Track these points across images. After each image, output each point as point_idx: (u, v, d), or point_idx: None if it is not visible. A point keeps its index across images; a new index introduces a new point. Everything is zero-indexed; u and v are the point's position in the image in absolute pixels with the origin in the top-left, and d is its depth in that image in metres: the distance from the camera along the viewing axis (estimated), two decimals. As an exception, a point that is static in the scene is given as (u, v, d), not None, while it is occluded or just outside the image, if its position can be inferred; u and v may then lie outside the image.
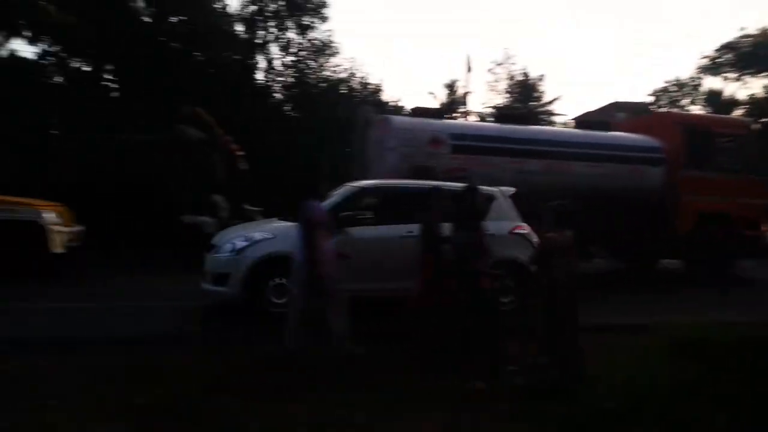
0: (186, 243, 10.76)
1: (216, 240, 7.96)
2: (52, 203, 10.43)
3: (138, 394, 4.55)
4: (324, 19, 23.92)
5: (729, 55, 32.78)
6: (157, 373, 5.07)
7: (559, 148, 11.66)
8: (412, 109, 12.59)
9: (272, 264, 7.31)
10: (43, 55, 19.17)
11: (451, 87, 30.95)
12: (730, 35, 47.41)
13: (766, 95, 30.27)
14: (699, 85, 35.58)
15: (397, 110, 27.99)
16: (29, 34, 17.41)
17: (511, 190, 8.82)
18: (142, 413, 4.23)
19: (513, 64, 32.11)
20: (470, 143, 11.19)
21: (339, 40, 43.37)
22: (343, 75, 24.92)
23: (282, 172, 17.41)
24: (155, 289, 9.35)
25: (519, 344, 5.77)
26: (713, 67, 33.99)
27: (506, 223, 8.30)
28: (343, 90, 24.40)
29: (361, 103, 19.68)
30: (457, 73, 55.39)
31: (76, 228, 10.86)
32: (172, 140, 13.28)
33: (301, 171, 16.17)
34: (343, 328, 5.84)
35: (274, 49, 23.71)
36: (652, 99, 36.68)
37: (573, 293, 5.19)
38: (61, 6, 16.50)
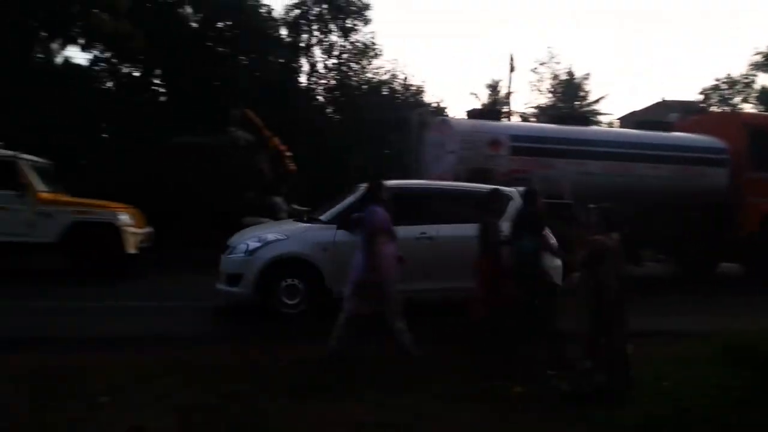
0: None
1: (231, 241, 8.04)
2: (125, 205, 10.81)
3: (185, 392, 4.68)
4: (366, 21, 24.09)
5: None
6: (204, 371, 5.20)
7: (620, 149, 11.47)
8: (468, 111, 12.57)
9: (284, 265, 7.36)
10: (95, 62, 19.85)
11: (493, 87, 30.76)
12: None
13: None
14: (752, 82, 34.41)
15: (440, 111, 27.99)
16: (83, 41, 18.04)
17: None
18: (189, 412, 4.33)
19: (557, 63, 31.74)
20: (530, 145, 11.09)
21: (381, 41, 43.64)
22: (386, 77, 25.03)
23: (326, 174, 17.60)
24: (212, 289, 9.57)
25: (559, 348, 5.76)
26: (767, 64, 32.82)
27: None
28: (385, 92, 24.48)
29: (417, 107, 19.75)
30: (500, 73, 54.98)
31: (147, 229, 11.23)
32: (223, 143, 13.55)
33: (344, 172, 16.34)
34: (403, 330, 5.85)
35: (317, 52, 23.99)
36: (701, 97, 35.62)
37: (621, 297, 5.12)
38: (114, 14, 17.05)
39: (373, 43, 24.54)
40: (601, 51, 67.55)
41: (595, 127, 13.16)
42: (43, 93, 16.07)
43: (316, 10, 23.42)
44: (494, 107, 29.17)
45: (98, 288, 9.34)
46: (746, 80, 34.48)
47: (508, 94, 28.28)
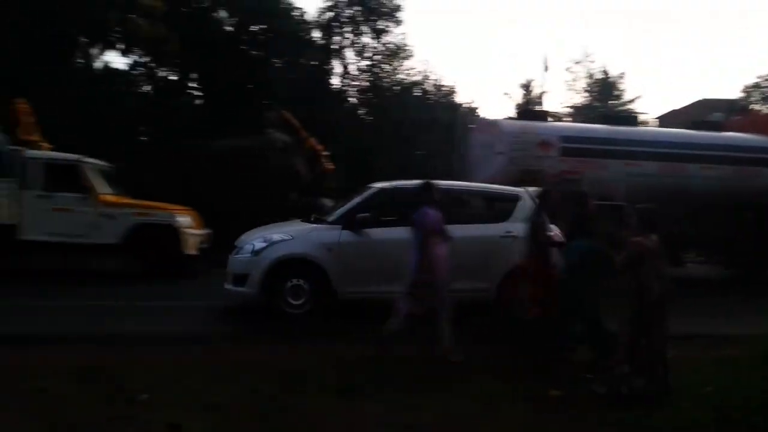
0: None
1: (239, 241, 8.08)
2: (184, 207, 11.02)
3: (220, 390, 4.73)
4: (398, 22, 24.12)
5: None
6: (239, 369, 5.26)
7: (674, 150, 11.27)
8: (518, 112, 12.50)
9: (289, 265, 7.37)
10: (133, 66, 20.29)
11: (526, 87, 30.42)
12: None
13: None
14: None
15: (472, 112, 27.84)
16: (122, 46, 18.46)
17: (539, 190, 8.50)
18: (224, 410, 4.38)
19: (592, 61, 31.24)
20: (581, 146, 11.00)
21: (412, 42, 43.67)
22: (417, 78, 25.03)
23: (358, 174, 17.66)
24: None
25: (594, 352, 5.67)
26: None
27: None
28: (417, 93, 24.50)
29: (449, 107, 19.69)
30: (533, 73, 54.41)
31: (205, 231, 11.43)
32: (260, 145, 13.68)
33: (375, 173, 16.34)
34: (449, 332, 5.82)
35: (350, 54, 24.10)
36: (742, 95, 34.63)
37: (662, 298, 5.00)
38: (151, 19, 17.41)
39: (405, 45, 24.58)
40: (635, 50, 66.35)
41: (647, 128, 12.93)
42: (83, 97, 16.50)
43: (348, 12, 23.54)
44: (529, 107, 28.93)
45: (154, 288, 9.53)
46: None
47: (542, 93, 27.94)
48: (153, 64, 20.36)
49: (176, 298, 8.90)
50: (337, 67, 23.91)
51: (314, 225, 7.94)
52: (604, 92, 30.34)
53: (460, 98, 26.00)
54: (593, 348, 5.77)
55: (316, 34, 23.46)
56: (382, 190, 8.09)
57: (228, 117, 18.09)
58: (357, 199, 7.94)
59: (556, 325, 5.89)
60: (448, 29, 65.24)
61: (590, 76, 31.07)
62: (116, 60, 26.60)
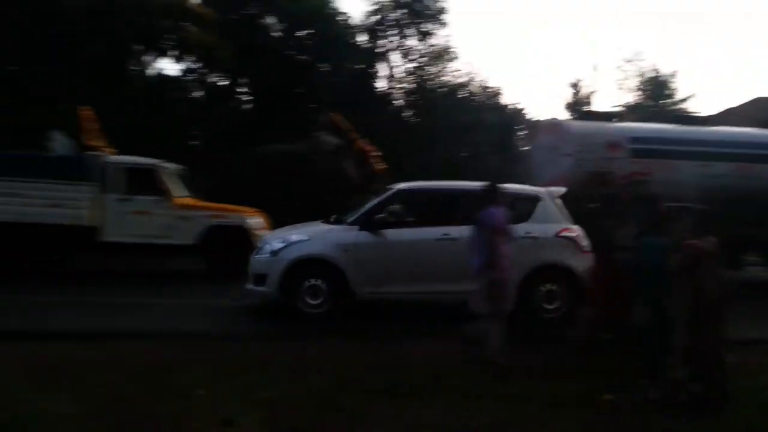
0: None
1: (260, 241, 8.11)
2: (253, 209, 11.29)
3: (271, 387, 4.82)
4: (443, 24, 24.10)
5: None
6: (289, 367, 5.35)
7: (749, 150, 10.94)
8: (584, 112, 12.32)
9: (306, 265, 7.39)
10: (185, 72, 20.88)
11: (575, 86, 29.92)
12: None
13: None
14: None
15: (518, 113, 27.59)
16: (175, 53, 19.02)
17: (561, 190, 8.28)
18: (275, 406, 4.46)
19: (642, 60, 30.52)
20: (651, 147, 10.75)
21: (457, 44, 43.36)
22: (463, 79, 24.95)
23: (404, 177, 17.69)
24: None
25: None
26: None
27: (553, 225, 7.81)
28: (463, 94, 24.44)
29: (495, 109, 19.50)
30: (580, 73, 53.50)
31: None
32: (310, 148, 13.84)
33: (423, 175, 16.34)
34: (499, 334, 5.75)
35: (395, 57, 24.21)
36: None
37: (719, 302, 4.86)
38: (202, 27, 17.89)
39: (450, 46, 24.54)
40: (686, 48, 64.34)
41: (720, 128, 12.45)
42: (138, 103, 17.07)
43: (393, 15, 23.65)
44: (575, 106, 28.44)
45: (223, 287, 9.56)
46: None
47: (591, 93, 27.42)
48: (204, 70, 20.90)
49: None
50: (382, 70, 24.07)
51: (332, 226, 7.97)
52: (656, 91, 29.56)
53: (506, 99, 25.77)
54: (651, 351, 5.60)
55: (362, 38, 23.66)
56: (401, 191, 8.11)
57: (275, 121, 18.41)
58: (375, 201, 7.93)
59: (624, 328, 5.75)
60: (490, 30, 64.70)
61: (641, 74, 30.35)
62: (169, 67, 27.47)
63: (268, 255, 7.54)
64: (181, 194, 10.97)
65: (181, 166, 11.68)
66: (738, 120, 15.70)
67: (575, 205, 10.31)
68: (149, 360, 5.40)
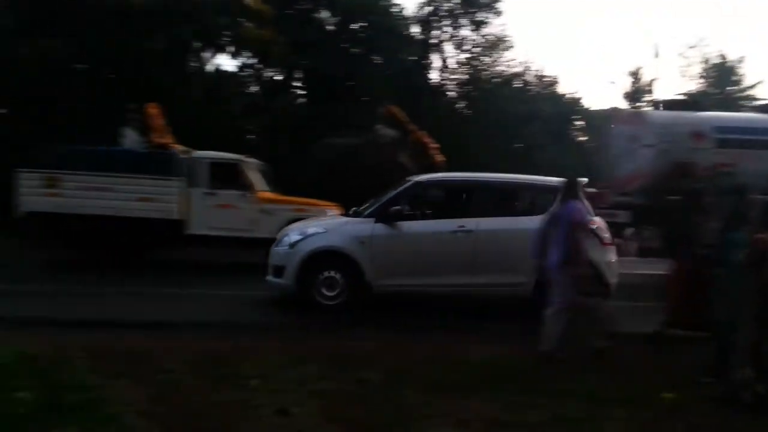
0: None
1: (280, 233, 8.18)
2: (333, 204, 11.44)
3: (325, 378, 4.93)
4: (498, 13, 23.76)
5: None
6: (342, 360, 5.42)
7: None
8: (665, 102, 12.00)
9: (322, 258, 7.41)
10: (242, 68, 21.31)
11: (635, 74, 29.00)
12: None
13: None
14: None
15: (575, 102, 26.98)
16: (232, 49, 19.44)
17: (583, 181, 8.02)
18: (329, 397, 4.55)
19: (707, 46, 29.31)
20: (738, 136, 10.45)
21: (512, 33, 42.68)
22: (518, 69, 24.56)
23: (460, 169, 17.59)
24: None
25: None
26: None
27: None
28: (518, 84, 24.07)
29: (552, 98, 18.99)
30: (639, 61, 51.71)
31: None
32: (369, 141, 13.91)
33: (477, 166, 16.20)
34: (560, 329, 5.68)
35: (448, 48, 24.04)
36: None
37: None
38: (259, 22, 18.21)
39: (505, 36, 24.19)
40: (752, 34, 61.21)
41: None
42: (198, 98, 17.57)
43: (447, 5, 23.46)
44: (635, 95, 27.60)
45: None
46: None
47: (652, 80, 26.57)
48: (260, 66, 21.28)
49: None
50: (436, 61, 23.94)
51: (348, 218, 8.01)
52: (721, 78, 28.37)
53: (562, 89, 25.22)
54: (722, 348, 5.42)
55: (415, 29, 23.58)
56: (419, 182, 8.08)
57: (329, 114, 18.57)
58: (393, 193, 7.90)
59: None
60: (545, 18, 63.24)
61: (706, 61, 29.16)
62: (226, 63, 28.12)
63: (286, 247, 7.63)
64: (264, 188, 11.26)
65: (263, 162, 11.95)
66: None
67: (653, 199, 10.14)
68: (207, 349, 5.58)
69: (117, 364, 5.03)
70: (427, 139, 13.85)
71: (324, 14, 21.99)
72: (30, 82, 15.24)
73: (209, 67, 20.66)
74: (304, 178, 13.96)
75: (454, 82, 24.30)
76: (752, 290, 4.75)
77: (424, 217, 8.02)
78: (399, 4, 22.97)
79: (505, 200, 8.20)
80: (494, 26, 24.01)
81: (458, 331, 6.87)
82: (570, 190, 5.99)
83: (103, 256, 10.43)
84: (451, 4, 23.47)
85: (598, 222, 7.51)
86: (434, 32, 23.76)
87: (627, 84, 29.08)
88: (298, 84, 22.39)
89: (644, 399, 4.70)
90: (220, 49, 19.49)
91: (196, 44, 19.04)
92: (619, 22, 62.11)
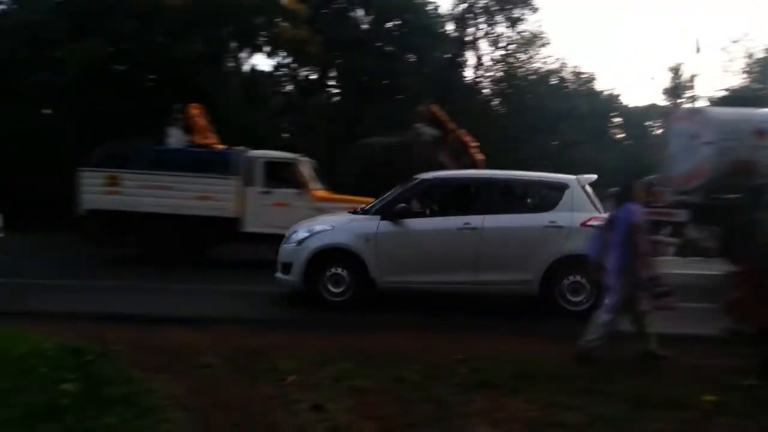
0: None
1: (289, 230, 8.20)
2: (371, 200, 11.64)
3: (360, 375, 4.93)
4: (534, 9, 23.49)
5: None
6: (377, 357, 5.42)
7: None
8: (724, 98, 11.87)
9: (329, 255, 7.43)
10: (277, 67, 21.55)
11: (675, 70, 28.34)
12: None
13: None
14: None
15: (612, 99, 26.50)
16: (268, 49, 19.68)
17: (592, 177, 7.85)
18: (364, 393, 4.57)
19: (751, 40, 28.45)
20: None
21: (548, 29, 42.11)
22: (554, 66, 24.25)
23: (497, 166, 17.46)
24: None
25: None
26: None
27: (580, 214, 7.40)
28: (554, 81, 23.76)
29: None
30: (678, 57, 50.46)
31: None
32: (409, 140, 13.91)
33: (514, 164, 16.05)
34: (603, 329, 5.58)
35: (483, 45, 23.86)
36: None
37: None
38: (294, 22, 18.39)
39: (541, 32, 23.90)
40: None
41: None
42: (235, 97, 17.83)
43: (482, 2, 23.29)
44: (675, 91, 26.98)
45: None
46: None
47: (693, 76, 25.94)
48: (295, 65, 21.47)
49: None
50: (470, 58, 23.78)
51: (354, 215, 8.00)
52: (766, 73, 27.51)
53: (599, 86, 24.81)
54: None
55: (450, 27, 23.48)
56: (426, 180, 8.04)
57: (364, 113, 18.64)
58: (399, 190, 7.90)
59: None
60: (581, 14, 62.19)
61: (749, 56, 28.31)
62: (261, 62, 28.41)
63: (294, 244, 7.68)
64: (317, 187, 11.40)
65: (314, 161, 12.09)
66: None
67: (711, 197, 9.95)
68: (245, 344, 5.66)
69: (157, 359, 5.14)
70: (468, 138, 13.78)
71: (359, 13, 22.06)
72: (74, 83, 15.69)
73: (245, 67, 20.97)
74: (342, 177, 14.03)
75: (489, 80, 24.12)
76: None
77: (429, 214, 8.06)
78: (434, 2, 22.92)
79: (510, 197, 8.17)
80: (530, 23, 23.81)
81: (482, 327, 6.80)
82: (627, 194, 5.88)
83: (161, 253, 10.64)
84: (487, 1, 23.28)
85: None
86: (469, 30, 23.61)
87: (667, 80, 28.48)
88: (333, 83, 22.51)
89: (684, 401, 4.57)
90: (257, 48, 19.74)
91: (233, 44, 19.32)
92: (656, 17, 60.76)
